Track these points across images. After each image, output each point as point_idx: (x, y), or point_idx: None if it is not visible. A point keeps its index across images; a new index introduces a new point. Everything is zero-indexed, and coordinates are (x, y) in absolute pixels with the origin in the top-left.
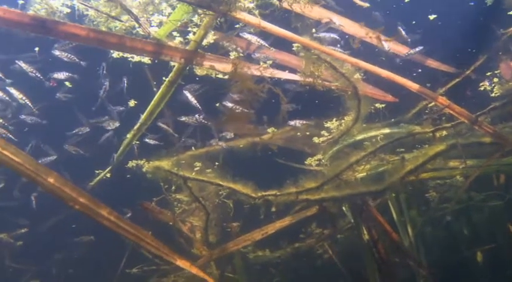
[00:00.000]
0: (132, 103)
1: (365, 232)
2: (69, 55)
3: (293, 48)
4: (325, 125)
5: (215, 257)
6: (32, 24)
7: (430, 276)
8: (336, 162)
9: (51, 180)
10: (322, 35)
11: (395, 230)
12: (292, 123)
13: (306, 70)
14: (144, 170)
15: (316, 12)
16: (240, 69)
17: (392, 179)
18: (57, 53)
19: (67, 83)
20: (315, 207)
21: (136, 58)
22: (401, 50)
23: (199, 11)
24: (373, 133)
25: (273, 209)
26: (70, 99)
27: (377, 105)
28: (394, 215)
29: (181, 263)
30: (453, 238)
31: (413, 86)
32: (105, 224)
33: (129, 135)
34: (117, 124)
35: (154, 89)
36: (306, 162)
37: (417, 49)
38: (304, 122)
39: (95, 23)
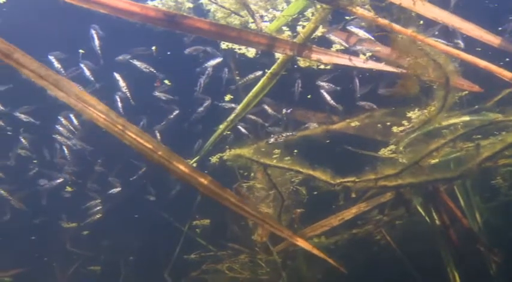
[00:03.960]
0: (227, 97)
1: (436, 218)
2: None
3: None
4: (407, 115)
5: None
6: (164, 19)
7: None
8: (414, 150)
9: (181, 166)
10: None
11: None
12: (366, 106)
13: (407, 62)
14: (225, 157)
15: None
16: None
17: (469, 165)
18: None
19: (166, 81)
20: (388, 193)
21: (240, 50)
22: (494, 40)
23: (318, 5)
24: (453, 121)
25: (353, 195)
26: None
27: (460, 94)
28: (462, 202)
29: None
30: None
31: (508, 75)
32: (229, 207)
33: (221, 126)
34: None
35: (239, 81)
36: (381, 150)
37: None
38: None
39: (216, 17)
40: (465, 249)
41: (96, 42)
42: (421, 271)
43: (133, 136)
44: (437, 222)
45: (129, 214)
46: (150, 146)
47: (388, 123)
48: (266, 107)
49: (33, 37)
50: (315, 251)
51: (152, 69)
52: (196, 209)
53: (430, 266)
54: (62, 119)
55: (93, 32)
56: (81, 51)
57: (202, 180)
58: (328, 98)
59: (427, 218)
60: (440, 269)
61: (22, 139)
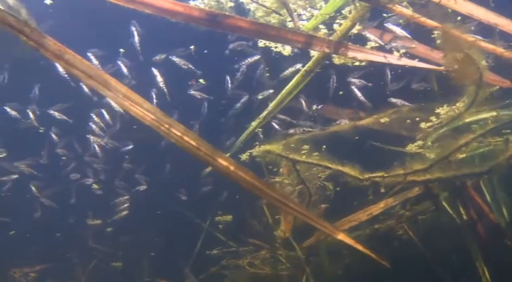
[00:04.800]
0: (260, 95)
1: (463, 212)
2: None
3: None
4: (435, 111)
5: (323, 237)
6: (206, 19)
7: None
8: (441, 145)
9: (225, 162)
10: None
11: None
12: (397, 103)
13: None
14: (254, 153)
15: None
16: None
17: (498, 160)
18: (176, 59)
19: (201, 80)
20: (416, 188)
21: (276, 48)
22: None
23: (357, 3)
24: (482, 116)
25: (382, 190)
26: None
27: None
28: (488, 197)
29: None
30: None
31: None
32: (272, 202)
33: (253, 123)
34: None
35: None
36: (407, 145)
37: None
38: (406, 103)
39: (255, 16)
40: (493, 245)
41: (136, 38)
42: (445, 267)
43: (179, 134)
44: (464, 217)
45: (152, 211)
46: (194, 144)
47: (417, 119)
48: (303, 101)
49: (76, 36)
50: (359, 247)
51: (191, 66)
52: (219, 205)
53: (455, 261)
54: (94, 116)
55: (133, 28)
56: (121, 50)
57: (245, 176)
58: (359, 94)
59: (452, 212)
60: (465, 264)
61: (53, 136)
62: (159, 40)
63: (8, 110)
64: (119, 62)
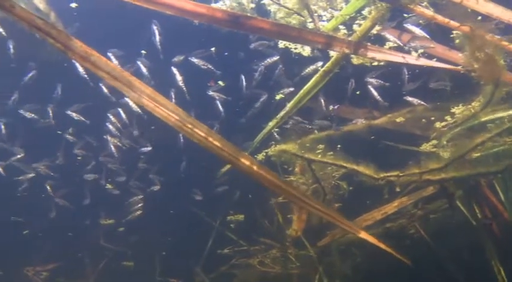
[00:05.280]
0: (278, 96)
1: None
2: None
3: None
4: (451, 110)
5: (338, 237)
6: (228, 20)
7: None
8: (456, 144)
9: (246, 162)
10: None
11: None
12: (412, 100)
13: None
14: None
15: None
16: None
17: None
18: (195, 60)
19: (220, 82)
20: (430, 187)
21: (296, 49)
22: None
23: (378, 4)
24: (498, 115)
25: (397, 189)
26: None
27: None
28: (501, 195)
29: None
30: None
31: None
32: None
33: (271, 123)
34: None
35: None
36: (422, 144)
37: None
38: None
39: (276, 18)
40: (508, 243)
41: (157, 37)
42: (458, 265)
43: (203, 134)
44: (478, 216)
45: (164, 210)
46: (218, 144)
47: (432, 118)
48: (322, 100)
49: (99, 37)
50: (381, 245)
51: (210, 66)
52: (231, 204)
53: (468, 260)
54: (111, 117)
55: (154, 27)
56: (143, 52)
57: (268, 176)
58: (375, 94)
59: (466, 211)
60: (479, 263)
61: (70, 137)
62: (179, 41)
63: (22, 112)
64: (139, 63)
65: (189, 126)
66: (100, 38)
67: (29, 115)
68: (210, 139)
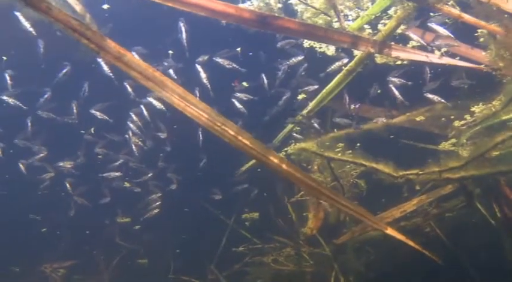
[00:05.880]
0: (301, 96)
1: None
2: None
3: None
4: (471, 109)
5: (357, 234)
6: (256, 20)
7: None
8: (477, 142)
9: (275, 160)
10: None
11: None
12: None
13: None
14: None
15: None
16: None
17: None
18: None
19: (244, 83)
20: (448, 186)
21: (321, 49)
22: None
23: (405, 4)
24: None
25: (417, 187)
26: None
27: None
28: None
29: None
30: None
31: None
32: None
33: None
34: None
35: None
36: (440, 143)
37: None
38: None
39: (303, 17)
40: None
41: (183, 34)
42: (475, 265)
43: (233, 133)
44: (498, 214)
45: (180, 208)
46: (248, 143)
47: (452, 117)
48: (346, 97)
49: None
50: (410, 242)
51: (235, 65)
52: (247, 202)
53: (486, 259)
54: (133, 115)
55: (180, 24)
56: (170, 52)
57: (297, 174)
58: (397, 93)
59: (484, 210)
60: (496, 262)
61: (90, 136)
62: (204, 41)
63: (40, 113)
64: (165, 63)
65: (220, 125)
66: (129, 38)
67: (44, 115)
68: (240, 138)
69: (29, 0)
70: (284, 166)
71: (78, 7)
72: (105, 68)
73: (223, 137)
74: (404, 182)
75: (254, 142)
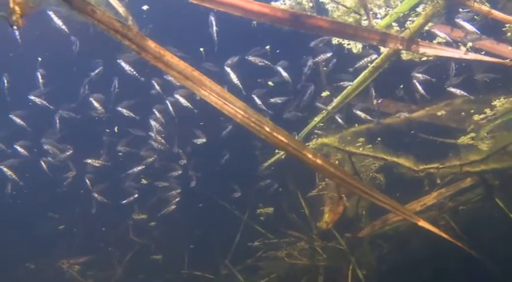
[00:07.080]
0: (325, 94)
1: None
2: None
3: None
4: (491, 103)
5: (377, 228)
6: (290, 19)
7: None
8: (497, 136)
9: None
10: None
11: None
12: (455, 92)
13: None
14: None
15: None
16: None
17: None
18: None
19: (270, 83)
20: (468, 179)
21: (349, 45)
22: None
23: (435, 1)
24: None
25: (438, 181)
26: None
27: None
28: None
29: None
30: None
31: None
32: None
33: (316, 118)
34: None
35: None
36: (459, 137)
37: None
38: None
39: (333, 16)
40: None
41: (214, 28)
42: (493, 258)
43: (269, 130)
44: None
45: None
46: (284, 139)
47: (471, 111)
48: (373, 92)
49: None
50: (444, 235)
51: (267, 62)
52: (261, 197)
53: (502, 253)
54: (156, 112)
55: (211, 18)
56: (201, 49)
57: (332, 169)
58: (420, 88)
59: (502, 203)
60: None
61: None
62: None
63: (61, 111)
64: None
65: (256, 122)
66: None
67: (65, 114)
68: (275, 134)
69: (75, 4)
70: (319, 161)
71: (121, 9)
72: (127, 66)
73: (260, 133)
74: (424, 175)
75: (289, 138)
